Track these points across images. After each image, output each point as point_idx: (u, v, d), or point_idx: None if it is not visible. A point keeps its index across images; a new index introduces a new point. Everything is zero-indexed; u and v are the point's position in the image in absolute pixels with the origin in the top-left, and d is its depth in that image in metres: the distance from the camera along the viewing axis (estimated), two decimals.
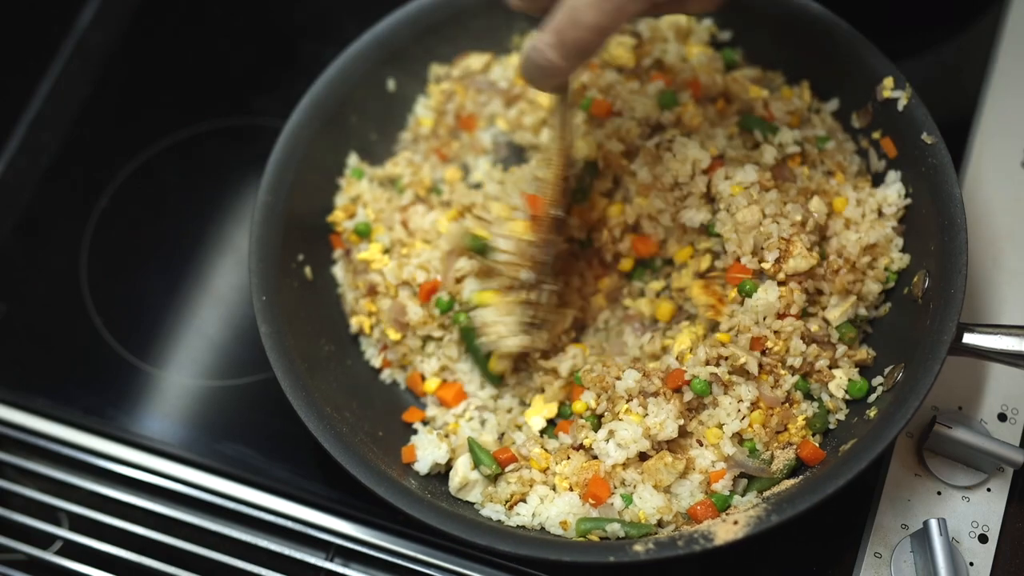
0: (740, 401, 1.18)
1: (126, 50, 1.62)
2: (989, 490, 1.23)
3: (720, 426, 1.18)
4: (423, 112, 1.40)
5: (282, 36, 1.61)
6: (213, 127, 1.55)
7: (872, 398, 1.19)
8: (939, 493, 1.23)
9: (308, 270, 1.31)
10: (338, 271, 1.33)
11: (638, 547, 1.09)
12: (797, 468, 1.18)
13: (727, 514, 1.14)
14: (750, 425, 1.17)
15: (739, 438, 1.18)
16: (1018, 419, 1.26)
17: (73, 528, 1.30)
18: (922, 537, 1.16)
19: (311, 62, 1.36)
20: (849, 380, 1.21)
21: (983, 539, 1.21)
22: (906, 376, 1.15)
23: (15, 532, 1.30)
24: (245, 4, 1.64)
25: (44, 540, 1.30)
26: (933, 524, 1.15)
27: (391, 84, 1.38)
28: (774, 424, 1.18)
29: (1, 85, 1.60)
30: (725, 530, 1.09)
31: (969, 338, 1.13)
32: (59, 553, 1.29)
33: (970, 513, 1.22)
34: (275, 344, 1.21)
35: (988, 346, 1.14)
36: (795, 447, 1.18)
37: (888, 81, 1.25)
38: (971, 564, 1.19)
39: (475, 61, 1.39)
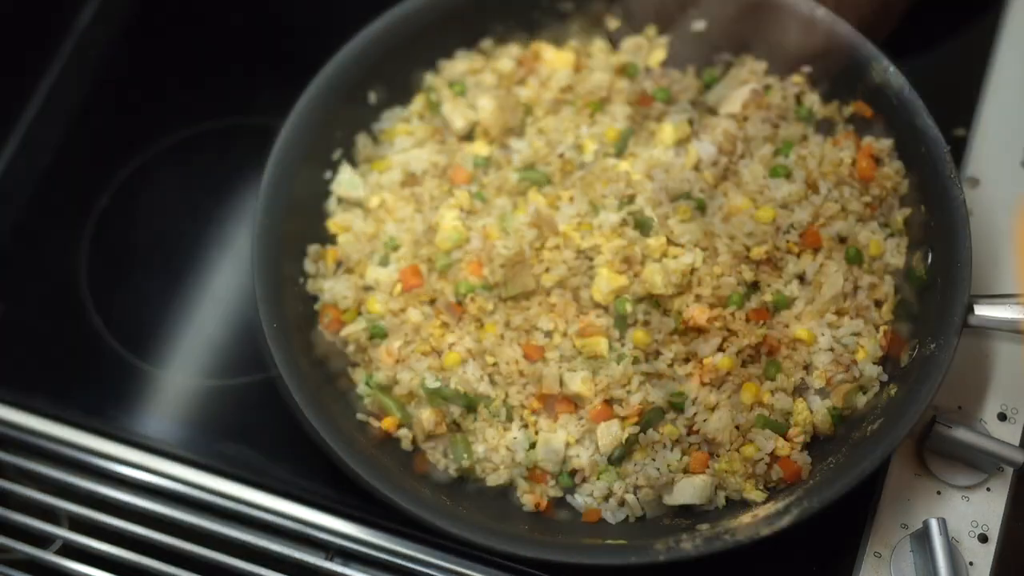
0: None
1: (126, 50, 1.62)
2: (989, 490, 1.23)
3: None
4: (402, 124, 1.40)
5: (282, 34, 1.61)
6: (213, 127, 1.55)
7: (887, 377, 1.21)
8: (939, 493, 1.23)
9: (309, 289, 1.32)
10: (337, 285, 1.33)
11: (685, 544, 1.11)
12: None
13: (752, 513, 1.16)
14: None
15: None
16: (1018, 419, 1.26)
17: (73, 528, 1.30)
18: (922, 537, 1.17)
19: (311, 60, 1.36)
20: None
21: (983, 539, 1.21)
22: (921, 352, 1.16)
23: (15, 532, 1.30)
24: (245, 3, 1.65)
25: (44, 540, 1.30)
26: (933, 524, 1.15)
27: (372, 97, 1.38)
28: None
29: (1, 85, 1.60)
30: (745, 528, 1.11)
31: (980, 310, 1.15)
32: (59, 553, 1.29)
33: (970, 513, 1.22)
34: (291, 372, 1.20)
35: (1000, 316, 1.15)
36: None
37: (877, 66, 1.25)
38: (971, 564, 1.19)
39: (460, 64, 1.40)
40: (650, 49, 1.41)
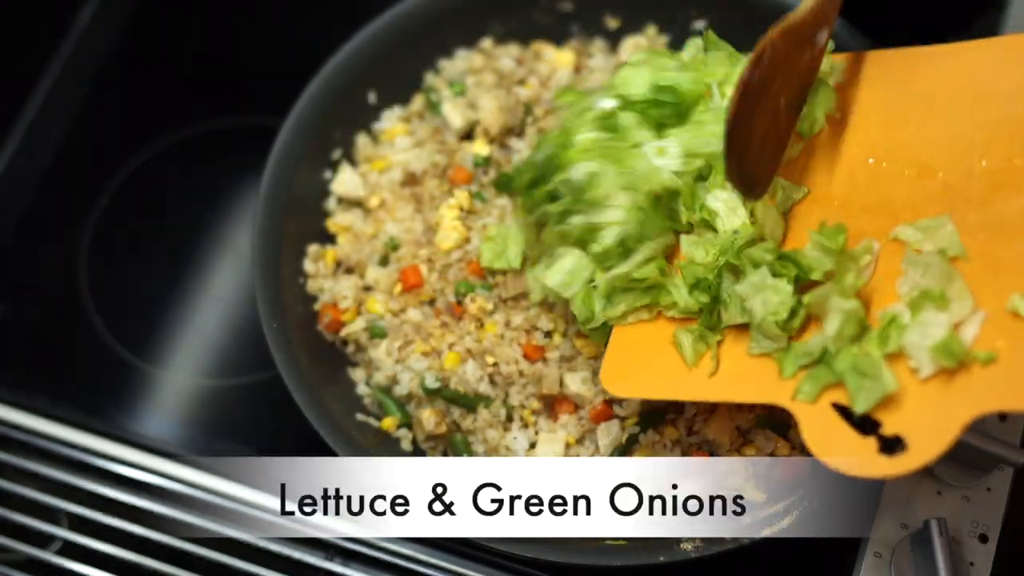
0: None
1: (126, 50, 1.62)
2: (989, 490, 1.23)
3: None
4: (402, 124, 1.40)
5: (282, 34, 1.62)
6: (213, 127, 1.55)
7: None
8: (939, 493, 1.23)
9: (309, 289, 1.32)
10: (337, 285, 1.33)
11: (686, 545, 1.11)
12: None
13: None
14: None
15: None
16: (1018, 419, 1.26)
17: (73, 528, 1.30)
18: (922, 537, 1.16)
19: (311, 60, 1.36)
20: None
21: (983, 539, 1.21)
22: None
23: (15, 532, 1.30)
24: (244, 3, 1.65)
25: (44, 540, 1.30)
26: (933, 524, 1.15)
27: (372, 97, 1.39)
28: None
29: (1, 85, 1.60)
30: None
31: None
32: (59, 553, 1.29)
33: (970, 513, 1.22)
34: (291, 372, 1.21)
35: None
36: None
37: None
38: (971, 564, 1.19)
39: (460, 63, 1.41)
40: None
